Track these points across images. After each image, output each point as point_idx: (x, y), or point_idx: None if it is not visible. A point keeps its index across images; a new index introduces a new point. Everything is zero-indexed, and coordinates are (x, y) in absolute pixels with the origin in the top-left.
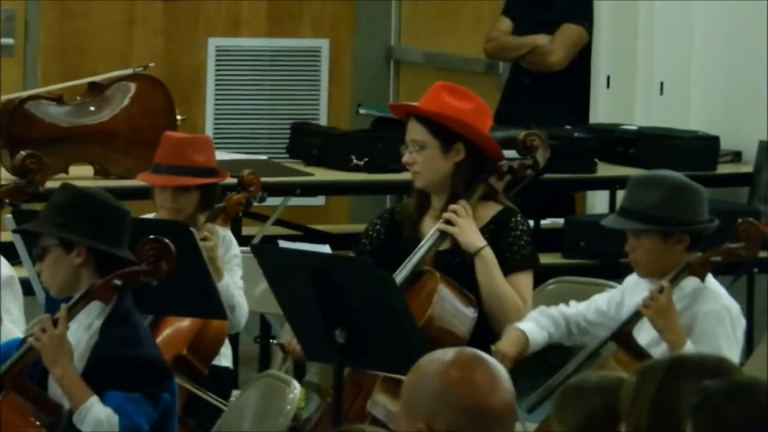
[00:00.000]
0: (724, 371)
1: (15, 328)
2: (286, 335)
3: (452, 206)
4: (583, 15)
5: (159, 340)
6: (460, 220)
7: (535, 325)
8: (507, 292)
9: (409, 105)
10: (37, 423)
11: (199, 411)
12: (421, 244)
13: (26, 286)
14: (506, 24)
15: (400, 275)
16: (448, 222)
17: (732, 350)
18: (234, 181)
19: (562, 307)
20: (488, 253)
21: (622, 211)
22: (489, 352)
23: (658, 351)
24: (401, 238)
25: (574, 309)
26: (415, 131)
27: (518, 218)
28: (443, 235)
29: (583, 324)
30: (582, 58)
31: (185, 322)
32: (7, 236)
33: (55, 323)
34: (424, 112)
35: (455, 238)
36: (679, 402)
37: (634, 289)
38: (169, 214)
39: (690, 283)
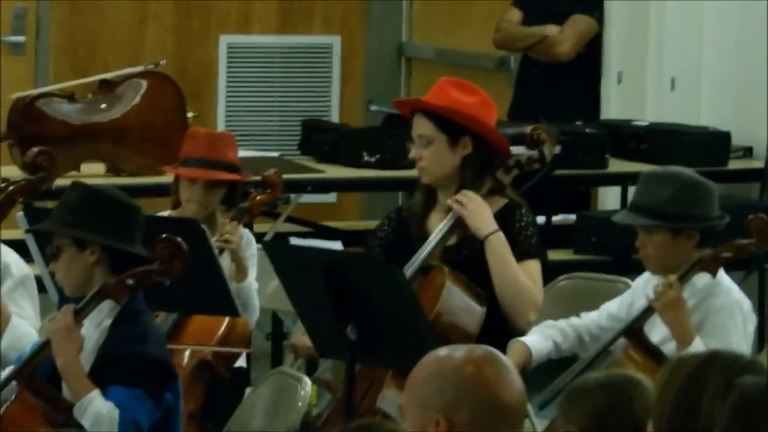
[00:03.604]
0: (756, 371)
1: (25, 323)
2: (298, 332)
3: (464, 192)
4: (593, 6)
5: (183, 344)
6: (471, 205)
7: (539, 336)
8: (520, 277)
9: (415, 100)
10: (49, 423)
11: (215, 415)
12: (431, 236)
13: (38, 284)
14: (516, 14)
15: (410, 270)
16: (459, 205)
17: (742, 345)
18: (257, 179)
19: (572, 318)
20: (497, 238)
21: (633, 206)
22: (499, 348)
23: (670, 347)
24: (409, 236)
25: (586, 318)
26: (422, 126)
27: (523, 211)
28: (454, 226)
29: (596, 331)
30: (592, 51)
31: (211, 327)
32: (19, 234)
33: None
34: (431, 106)
35: (465, 222)
36: (703, 396)
37: (644, 290)
38: (197, 209)
39: (701, 278)
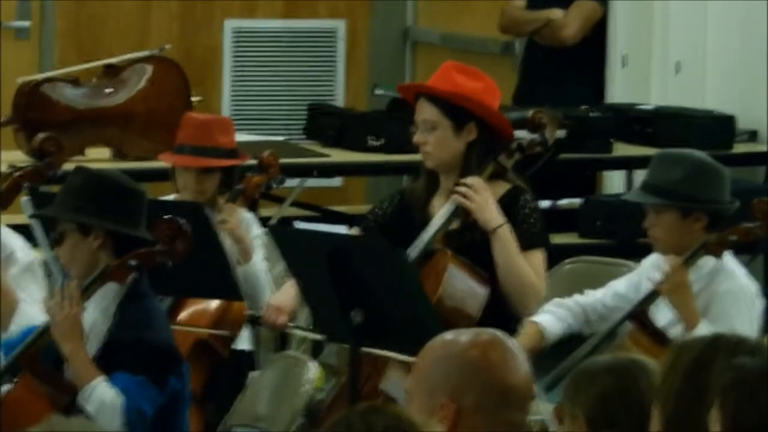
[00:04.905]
0: (761, 353)
1: (32, 310)
2: (301, 320)
3: (469, 180)
4: None
5: (180, 324)
6: (477, 197)
7: (552, 316)
8: (525, 271)
9: (420, 85)
10: (53, 405)
11: (217, 396)
12: (434, 220)
13: (44, 269)
14: None
15: (412, 254)
16: (465, 197)
17: (748, 330)
18: (253, 162)
19: (577, 296)
20: (505, 231)
21: (644, 186)
22: (501, 329)
23: (675, 331)
24: (411, 220)
25: (591, 297)
26: (427, 111)
27: (527, 196)
28: (457, 210)
29: (601, 310)
30: (597, 35)
31: (206, 306)
32: (25, 219)
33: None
34: (437, 91)
35: (472, 215)
36: (708, 379)
37: (651, 271)
38: (192, 196)
39: (707, 263)
